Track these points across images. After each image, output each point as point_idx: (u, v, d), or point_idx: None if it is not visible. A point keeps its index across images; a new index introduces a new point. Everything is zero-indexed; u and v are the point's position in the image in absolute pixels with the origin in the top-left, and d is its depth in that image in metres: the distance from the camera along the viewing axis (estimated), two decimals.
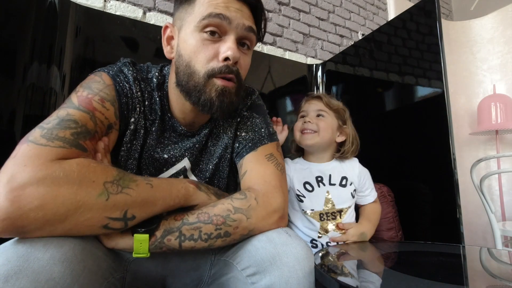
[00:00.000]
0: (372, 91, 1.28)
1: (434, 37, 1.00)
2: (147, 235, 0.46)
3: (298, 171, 0.89)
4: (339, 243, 0.81)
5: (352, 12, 1.98)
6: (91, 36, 0.98)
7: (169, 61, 0.63)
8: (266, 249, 0.49)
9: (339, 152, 0.91)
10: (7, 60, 0.81)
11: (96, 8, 1.04)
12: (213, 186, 0.65)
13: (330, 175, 0.88)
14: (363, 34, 1.97)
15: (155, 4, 1.21)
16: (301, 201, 0.85)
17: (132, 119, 0.56)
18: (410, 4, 1.23)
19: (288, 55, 1.59)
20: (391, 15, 2.17)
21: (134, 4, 1.16)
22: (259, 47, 1.46)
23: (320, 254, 0.66)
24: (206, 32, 0.53)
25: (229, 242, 0.51)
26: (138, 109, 0.57)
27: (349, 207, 0.86)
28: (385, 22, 1.69)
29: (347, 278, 0.50)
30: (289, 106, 1.46)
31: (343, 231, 0.82)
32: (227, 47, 0.53)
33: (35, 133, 0.43)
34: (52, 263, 0.36)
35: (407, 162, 1.12)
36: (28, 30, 0.85)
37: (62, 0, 0.93)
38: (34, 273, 0.34)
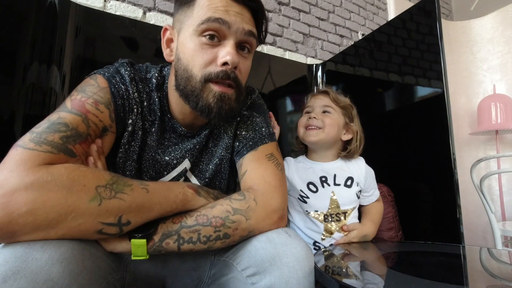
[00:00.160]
0: (372, 91, 1.28)
1: (434, 37, 1.00)
2: (144, 240, 0.45)
3: (301, 170, 0.87)
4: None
5: (352, 12, 1.98)
6: (91, 36, 0.98)
7: (168, 62, 0.63)
8: (266, 249, 0.49)
9: (345, 150, 0.87)
10: (7, 60, 0.81)
11: (96, 8, 1.04)
12: (214, 187, 0.65)
13: (335, 175, 0.84)
14: (363, 34, 1.97)
15: (155, 4, 1.21)
16: (304, 202, 0.83)
17: (130, 121, 0.56)
18: (410, 4, 1.23)
19: (288, 55, 1.58)
20: (391, 15, 2.17)
21: (134, 4, 1.16)
22: (259, 47, 1.46)
23: (320, 254, 0.66)
24: (205, 36, 0.52)
25: (229, 244, 0.51)
26: (135, 110, 0.56)
27: (354, 208, 0.84)
28: (385, 22, 1.69)
29: (347, 278, 0.50)
30: (289, 106, 1.46)
31: (346, 232, 0.81)
32: (226, 52, 0.52)
33: (25, 138, 0.43)
34: (50, 263, 0.35)
35: (407, 162, 1.12)
36: (28, 30, 0.85)
37: (62, 0, 0.93)
38: (32, 273, 0.34)
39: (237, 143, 0.65)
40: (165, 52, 0.60)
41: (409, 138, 1.12)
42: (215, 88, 0.53)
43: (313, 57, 1.70)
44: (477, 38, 1.92)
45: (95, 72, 0.56)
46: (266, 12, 1.53)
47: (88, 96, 0.51)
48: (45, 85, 0.87)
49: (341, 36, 1.88)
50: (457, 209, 0.89)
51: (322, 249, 0.76)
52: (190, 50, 0.53)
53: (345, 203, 0.83)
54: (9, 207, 0.36)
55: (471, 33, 1.93)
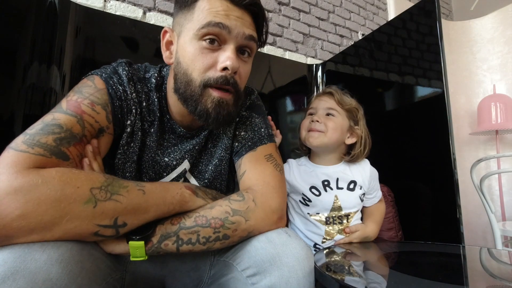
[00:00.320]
0: (372, 91, 1.28)
1: (434, 37, 1.00)
2: (142, 242, 0.45)
3: (303, 174, 0.85)
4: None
5: (352, 12, 1.98)
6: (91, 36, 0.98)
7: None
8: (266, 249, 0.49)
9: (349, 155, 0.84)
10: (7, 60, 0.81)
11: (96, 8, 1.04)
12: (214, 188, 0.64)
13: (337, 179, 0.83)
14: (363, 34, 1.97)
15: (155, 4, 1.21)
16: (306, 204, 0.82)
17: (128, 122, 0.55)
18: (410, 4, 1.23)
19: (288, 55, 1.58)
20: (391, 15, 2.17)
21: (134, 4, 1.16)
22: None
23: (320, 254, 0.66)
24: (205, 40, 0.52)
25: (228, 244, 0.51)
26: (134, 110, 0.56)
27: (357, 211, 0.83)
28: (385, 22, 1.69)
29: (347, 278, 0.50)
30: (289, 106, 1.46)
31: (348, 234, 0.80)
32: (226, 57, 0.52)
33: (18, 139, 0.42)
34: (49, 263, 0.35)
35: (407, 162, 1.12)
36: (28, 30, 0.85)
37: (62, 0, 0.93)
38: (31, 273, 0.34)
39: (236, 144, 0.65)
40: (165, 54, 0.59)
41: (409, 138, 1.12)
42: (214, 94, 0.53)
43: (313, 57, 1.70)
44: (477, 38, 1.92)
45: (92, 72, 0.56)
46: (266, 12, 1.54)
47: (85, 97, 0.51)
48: (45, 85, 0.87)
49: (341, 36, 1.88)
50: (457, 209, 0.89)
51: (322, 249, 0.76)
52: (190, 54, 0.53)
53: (348, 206, 0.81)
54: (1, 211, 0.35)
55: (471, 33, 1.93)
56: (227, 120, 0.56)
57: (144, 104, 0.58)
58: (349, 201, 0.81)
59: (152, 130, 0.59)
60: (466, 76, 1.90)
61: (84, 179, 0.41)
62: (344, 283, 0.48)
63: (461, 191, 0.91)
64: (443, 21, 1.09)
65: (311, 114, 0.87)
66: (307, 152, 0.92)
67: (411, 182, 1.09)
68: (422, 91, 1.06)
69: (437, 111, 0.97)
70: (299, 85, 1.51)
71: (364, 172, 0.85)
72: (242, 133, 0.65)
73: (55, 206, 0.38)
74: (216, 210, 0.50)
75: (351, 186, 0.82)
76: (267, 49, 1.50)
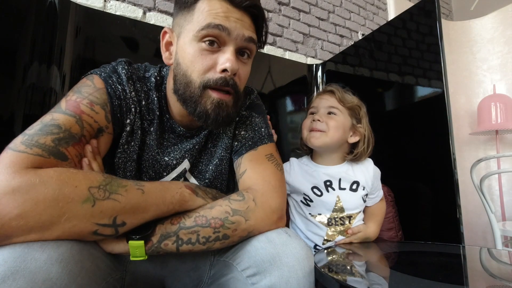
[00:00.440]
0: (372, 91, 1.28)
1: (434, 37, 1.00)
2: (142, 242, 0.45)
3: (305, 173, 0.84)
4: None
5: (352, 12, 1.98)
6: (91, 36, 0.98)
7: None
8: (266, 249, 0.49)
9: (351, 154, 0.82)
10: (7, 60, 0.81)
11: (96, 8, 1.04)
12: (214, 187, 0.64)
13: (340, 179, 0.81)
14: (363, 34, 1.97)
15: (155, 4, 1.21)
16: (308, 205, 0.81)
17: (128, 120, 0.55)
18: (410, 4, 1.23)
19: (288, 55, 1.58)
20: (391, 15, 2.17)
21: (134, 4, 1.16)
22: None
23: (320, 254, 0.66)
24: (204, 42, 0.52)
25: (228, 244, 0.51)
26: (133, 109, 0.56)
27: (359, 212, 0.82)
28: (385, 22, 1.69)
29: (347, 278, 0.50)
30: (289, 106, 1.46)
31: (350, 235, 0.79)
32: (225, 59, 0.52)
33: (17, 140, 0.42)
34: (49, 263, 0.35)
35: (407, 162, 1.12)
36: (28, 30, 0.85)
37: (62, 0, 0.93)
38: (31, 273, 0.34)
39: (236, 143, 0.65)
40: (164, 55, 0.59)
41: (409, 138, 1.12)
42: (214, 95, 0.53)
43: (313, 57, 1.70)
44: (477, 38, 1.92)
45: (91, 72, 0.56)
46: (266, 12, 1.54)
47: (84, 96, 0.51)
48: (45, 85, 0.87)
49: (341, 36, 1.88)
50: (457, 209, 0.89)
51: (322, 249, 0.76)
52: (190, 56, 0.53)
53: (350, 207, 0.80)
54: (0, 211, 0.36)
55: (471, 33, 1.93)
56: (226, 121, 0.56)
57: (143, 102, 0.58)
58: (352, 202, 0.80)
59: (152, 129, 0.59)
60: (466, 76, 1.90)
61: (82, 179, 0.41)
62: (344, 283, 0.48)
63: (461, 191, 0.91)
64: (443, 21, 1.09)
65: (312, 113, 0.85)
66: (309, 151, 0.90)
67: (411, 182, 1.09)
68: (422, 91, 1.06)
69: (437, 111, 0.97)
70: (299, 85, 1.51)
71: (368, 172, 0.83)
72: (242, 133, 0.65)
73: (53, 205, 0.38)
74: (216, 210, 0.50)
75: (354, 186, 0.81)
76: (267, 49, 1.50)
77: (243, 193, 0.54)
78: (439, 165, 0.97)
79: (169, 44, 0.58)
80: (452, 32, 1.92)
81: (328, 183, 0.81)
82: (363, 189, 0.81)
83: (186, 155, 0.62)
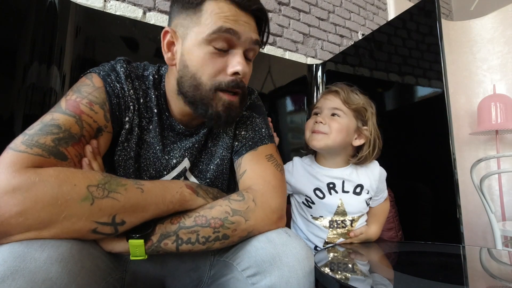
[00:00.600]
0: (372, 91, 1.28)
1: (434, 37, 1.00)
2: (141, 241, 0.45)
3: (308, 174, 0.82)
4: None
5: (352, 12, 1.98)
6: (91, 36, 0.98)
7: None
8: (266, 249, 0.49)
9: (355, 157, 0.79)
10: (7, 60, 0.81)
11: (96, 8, 1.04)
12: (215, 187, 0.64)
13: (343, 182, 0.79)
14: (363, 34, 1.97)
15: (155, 4, 1.21)
16: (310, 207, 0.80)
17: (127, 118, 0.56)
18: (410, 4, 1.23)
19: (288, 55, 1.59)
20: (391, 15, 2.17)
21: (134, 4, 1.16)
22: None
23: (321, 254, 0.66)
24: (214, 45, 0.52)
25: (228, 244, 0.51)
26: (131, 107, 0.56)
27: (362, 215, 0.81)
28: (385, 22, 1.69)
29: (347, 278, 0.50)
30: (289, 106, 1.46)
31: (351, 237, 0.79)
32: (236, 62, 0.53)
33: (17, 140, 0.43)
34: (49, 263, 0.35)
35: (407, 162, 1.12)
36: (28, 30, 0.85)
37: (62, 0, 0.93)
38: (30, 273, 0.34)
39: (236, 143, 0.65)
40: (166, 56, 0.57)
41: (409, 138, 1.12)
42: (224, 97, 0.55)
43: (313, 57, 1.70)
44: (477, 38, 1.92)
45: (90, 70, 0.56)
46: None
47: (83, 96, 0.51)
48: (45, 85, 0.87)
49: (341, 36, 1.88)
50: (457, 209, 0.89)
51: (323, 249, 0.76)
52: (199, 59, 0.53)
53: (353, 211, 0.78)
54: (0, 209, 0.36)
55: (471, 33, 1.93)
56: (234, 121, 0.59)
57: (141, 101, 0.58)
58: (355, 206, 0.78)
59: (151, 127, 0.59)
60: (466, 76, 1.90)
61: (81, 177, 0.42)
62: (344, 283, 0.48)
63: (461, 191, 0.91)
64: (443, 21, 1.09)
65: (316, 113, 0.82)
66: (313, 152, 0.87)
67: (411, 182, 1.09)
68: (422, 91, 1.06)
69: (437, 111, 0.97)
70: (299, 85, 1.51)
71: (373, 176, 0.80)
72: (243, 133, 0.65)
73: (52, 204, 0.38)
74: (216, 210, 0.50)
75: (358, 190, 0.79)
76: (267, 49, 1.50)
77: (243, 193, 0.54)
78: (439, 165, 0.97)
79: (170, 44, 0.57)
80: (452, 32, 1.92)
81: (331, 186, 0.79)
82: (367, 193, 0.79)
83: (186, 153, 0.62)
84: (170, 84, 0.59)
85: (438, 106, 0.96)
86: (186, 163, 0.63)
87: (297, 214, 0.84)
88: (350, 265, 0.60)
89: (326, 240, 0.79)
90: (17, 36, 0.83)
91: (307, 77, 1.54)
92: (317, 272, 0.51)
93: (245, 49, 0.55)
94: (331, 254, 0.67)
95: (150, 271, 0.59)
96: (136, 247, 0.45)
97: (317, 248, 0.80)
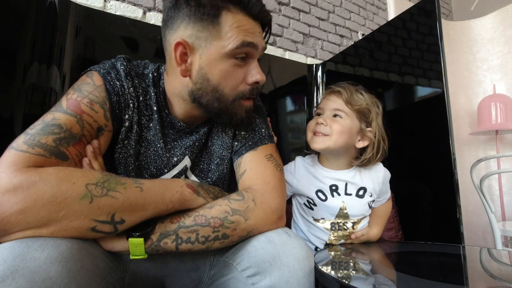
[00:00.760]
0: (372, 91, 1.28)
1: (434, 37, 1.00)
2: (141, 239, 0.45)
3: (310, 176, 0.80)
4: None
5: (352, 12, 1.98)
6: (91, 36, 0.98)
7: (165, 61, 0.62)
8: (266, 249, 0.49)
9: (358, 159, 0.77)
10: (7, 60, 0.81)
11: (96, 8, 1.04)
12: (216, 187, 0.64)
13: (346, 184, 0.78)
14: (363, 34, 1.97)
15: (155, 4, 1.21)
16: (311, 208, 0.79)
17: (126, 116, 0.56)
18: (410, 4, 1.23)
19: (288, 55, 1.58)
20: (391, 15, 2.17)
21: (134, 4, 1.16)
22: None
23: (320, 254, 0.66)
24: (237, 58, 0.54)
25: (227, 244, 0.51)
26: (131, 105, 0.56)
27: (364, 217, 0.80)
28: (385, 22, 1.69)
29: (347, 278, 0.50)
30: (289, 106, 1.46)
31: (352, 240, 0.78)
32: (256, 72, 0.57)
33: (19, 139, 0.43)
34: (49, 262, 0.35)
35: (407, 162, 1.12)
36: (28, 30, 0.85)
37: (62, 0, 0.93)
38: (30, 272, 0.34)
39: (236, 143, 0.65)
40: (180, 68, 0.55)
41: (409, 138, 1.12)
42: (246, 104, 0.59)
43: (313, 57, 1.70)
44: (477, 38, 1.92)
45: (91, 68, 0.57)
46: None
47: (84, 95, 0.51)
48: (45, 85, 0.87)
49: (341, 36, 1.88)
50: (457, 209, 0.89)
51: (323, 249, 0.75)
52: (223, 72, 0.54)
53: (355, 214, 0.77)
54: (1, 207, 0.37)
55: (471, 33, 1.93)
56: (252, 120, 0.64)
57: (141, 98, 0.58)
58: (357, 208, 0.77)
59: (151, 124, 0.59)
60: (466, 76, 1.90)
61: (80, 176, 0.42)
62: (344, 283, 0.48)
63: (461, 191, 0.91)
64: (443, 21, 1.09)
65: (318, 114, 0.80)
66: (316, 151, 0.84)
67: (411, 182, 1.09)
68: (422, 91, 1.06)
69: (437, 111, 0.97)
70: (299, 85, 1.51)
71: (377, 178, 0.79)
72: (243, 133, 0.65)
73: (51, 202, 0.39)
74: (215, 209, 0.50)
75: (361, 192, 0.78)
76: (267, 49, 1.50)
77: (243, 193, 0.54)
78: (439, 165, 0.97)
79: (183, 55, 0.55)
80: (452, 32, 1.92)
81: (333, 188, 0.78)
82: (370, 196, 0.78)
83: (187, 152, 0.62)
84: (173, 87, 0.59)
85: (438, 106, 0.96)
86: (187, 161, 0.63)
87: (298, 215, 0.84)
88: (350, 265, 0.60)
89: (327, 242, 0.78)
90: (17, 36, 0.83)
91: (307, 77, 1.54)
92: (317, 272, 0.51)
93: (258, 56, 0.58)
94: (331, 254, 0.67)
95: (150, 271, 0.59)
96: (136, 246, 0.45)
97: (317, 249, 0.79)
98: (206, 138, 0.65)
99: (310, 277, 0.48)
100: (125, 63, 0.57)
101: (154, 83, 0.60)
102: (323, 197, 0.77)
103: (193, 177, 0.65)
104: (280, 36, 1.59)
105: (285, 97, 1.45)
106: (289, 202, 0.85)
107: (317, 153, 0.85)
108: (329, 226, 0.78)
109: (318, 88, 1.55)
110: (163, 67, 0.64)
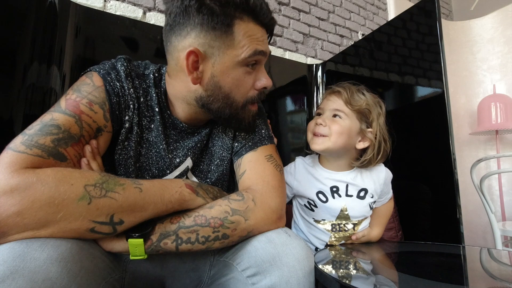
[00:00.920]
0: (372, 91, 1.28)
1: (434, 37, 1.00)
2: (141, 240, 0.45)
3: (311, 178, 0.79)
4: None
5: (352, 12, 1.98)
6: (91, 36, 0.98)
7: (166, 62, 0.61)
8: (266, 249, 0.49)
9: (359, 161, 0.76)
10: (7, 60, 0.81)
11: (96, 8, 1.04)
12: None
13: (347, 185, 0.77)
14: (363, 34, 1.97)
15: (155, 4, 1.21)
16: (312, 210, 0.78)
17: (126, 117, 0.56)
18: (410, 4, 1.23)
19: (288, 55, 1.58)
20: (391, 15, 2.17)
21: (134, 4, 1.16)
22: None
23: (321, 254, 0.66)
24: (248, 66, 0.56)
25: (227, 244, 0.51)
26: (131, 106, 0.56)
27: (365, 218, 0.79)
28: (385, 22, 1.69)
29: (347, 278, 0.50)
30: (289, 106, 1.46)
31: (352, 241, 0.78)
32: (264, 77, 0.59)
33: (17, 140, 0.43)
34: (49, 263, 0.35)
35: (407, 162, 1.12)
36: (28, 30, 0.85)
37: (62, 0, 0.93)
38: (30, 273, 0.34)
39: (236, 144, 0.65)
40: (192, 75, 0.54)
41: (409, 138, 1.12)
42: (253, 108, 0.61)
43: (313, 57, 1.70)
44: (477, 38, 1.92)
45: (91, 68, 0.56)
46: None
47: (83, 96, 0.51)
48: (45, 85, 0.87)
49: (341, 36, 1.88)
50: (457, 209, 0.89)
51: (323, 249, 0.75)
52: (235, 80, 0.56)
53: (356, 215, 0.77)
54: None
55: (471, 33, 1.93)
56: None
57: (142, 99, 0.58)
58: (358, 210, 0.77)
59: (153, 125, 0.59)
60: (466, 76, 1.90)
61: (78, 177, 0.42)
62: (345, 282, 0.48)
63: (461, 191, 0.91)
64: (443, 21, 1.09)
65: (318, 114, 0.80)
66: (317, 152, 0.82)
67: (411, 182, 1.09)
68: (422, 91, 1.06)
69: (437, 111, 0.97)
70: (299, 85, 1.51)
71: (378, 180, 0.78)
72: (243, 134, 0.66)
73: (50, 203, 0.38)
74: (215, 209, 0.50)
75: (362, 194, 0.77)
76: None
77: (243, 193, 0.54)
78: (439, 165, 0.96)
79: (195, 63, 0.54)
80: (452, 32, 1.92)
81: (334, 189, 0.77)
82: (371, 197, 0.77)
83: (189, 153, 0.62)
84: (177, 91, 0.59)
85: (438, 106, 0.96)
86: (188, 162, 0.63)
87: (298, 215, 0.84)
88: (350, 265, 0.60)
89: (328, 243, 0.78)
90: (17, 36, 0.83)
91: (307, 77, 1.54)
92: (317, 272, 0.51)
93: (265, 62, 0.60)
94: (331, 254, 0.67)
95: (150, 271, 0.59)
96: (135, 247, 0.45)
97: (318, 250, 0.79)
98: (207, 139, 0.65)
99: (310, 277, 0.48)
100: (125, 64, 0.57)
101: (155, 83, 0.60)
102: (324, 199, 0.77)
103: (193, 178, 0.65)
104: (280, 36, 1.59)
105: (285, 97, 1.45)
106: (289, 202, 0.85)
107: (318, 154, 0.84)
108: (329, 227, 0.77)
109: (318, 88, 1.55)
110: (164, 68, 0.64)
